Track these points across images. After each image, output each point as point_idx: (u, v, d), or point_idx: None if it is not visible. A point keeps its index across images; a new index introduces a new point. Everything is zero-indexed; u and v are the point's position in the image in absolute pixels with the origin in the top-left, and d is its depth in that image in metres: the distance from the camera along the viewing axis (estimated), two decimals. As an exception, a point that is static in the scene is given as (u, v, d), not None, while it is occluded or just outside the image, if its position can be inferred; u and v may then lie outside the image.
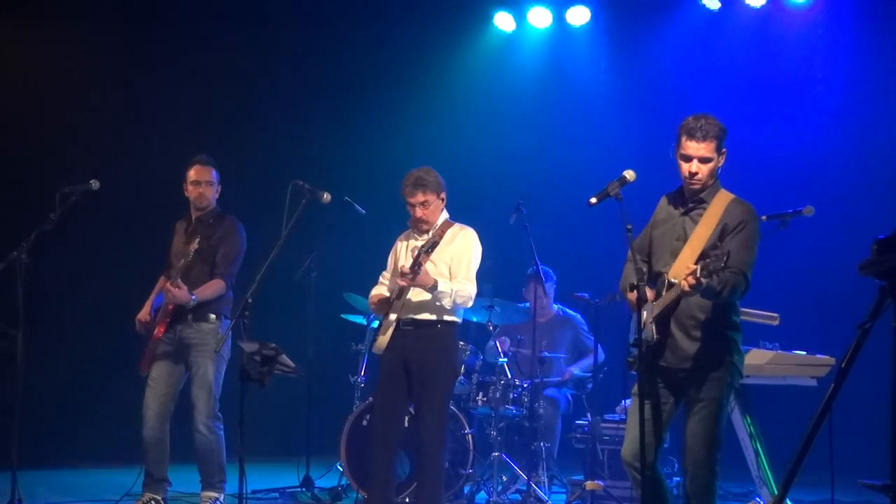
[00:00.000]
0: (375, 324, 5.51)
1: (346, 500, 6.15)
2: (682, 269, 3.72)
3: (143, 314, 5.65)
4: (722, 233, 3.82)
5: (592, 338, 6.63)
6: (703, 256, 3.62)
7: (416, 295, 4.82)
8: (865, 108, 7.74)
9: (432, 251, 4.70)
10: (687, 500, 3.95)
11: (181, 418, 5.59)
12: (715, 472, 3.86)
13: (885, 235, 2.96)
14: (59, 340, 7.72)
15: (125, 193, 7.66)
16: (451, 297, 4.76)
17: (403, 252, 5.01)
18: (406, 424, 5.21)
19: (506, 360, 6.28)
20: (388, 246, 5.28)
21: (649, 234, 4.11)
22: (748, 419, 5.35)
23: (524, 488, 5.96)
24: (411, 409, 5.07)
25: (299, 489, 6.45)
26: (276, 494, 6.40)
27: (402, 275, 4.69)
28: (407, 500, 5.61)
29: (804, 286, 7.49)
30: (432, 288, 4.71)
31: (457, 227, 5.01)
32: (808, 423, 3.00)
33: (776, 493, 5.10)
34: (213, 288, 5.51)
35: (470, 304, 4.91)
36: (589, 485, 5.83)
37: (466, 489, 6.01)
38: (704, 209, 3.91)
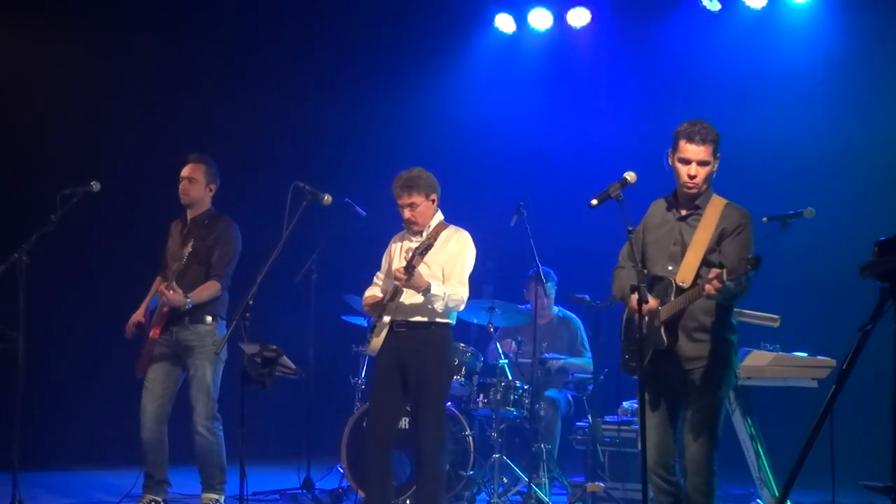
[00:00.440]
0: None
1: (347, 502, 6.13)
2: (689, 273, 3.88)
3: (138, 315, 5.65)
4: (720, 237, 3.93)
5: (588, 348, 6.66)
6: (706, 263, 3.80)
7: (410, 297, 4.82)
8: (867, 108, 7.71)
9: (426, 253, 4.70)
10: (687, 500, 3.99)
11: (181, 420, 5.58)
12: (714, 471, 3.93)
13: (886, 237, 2.97)
14: (60, 343, 7.70)
15: (125, 195, 7.65)
16: (443, 300, 4.75)
17: (398, 253, 5.01)
18: (406, 426, 5.20)
19: (506, 361, 6.28)
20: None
21: (642, 238, 4.14)
22: (749, 420, 5.35)
23: (525, 490, 5.95)
24: (409, 408, 5.07)
25: (300, 491, 6.45)
26: (277, 496, 6.39)
27: (396, 277, 4.69)
28: (408, 501, 5.61)
29: (805, 288, 7.47)
30: (425, 291, 4.70)
31: (451, 229, 5.00)
32: (809, 424, 3.03)
33: (777, 494, 5.11)
34: (209, 290, 5.51)
35: (462, 307, 4.90)
36: (590, 486, 5.83)
37: (467, 492, 5.99)
38: (700, 214, 4.00)
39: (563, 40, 8.60)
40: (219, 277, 5.55)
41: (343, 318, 6.77)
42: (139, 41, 8.24)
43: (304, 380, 6.16)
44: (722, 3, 8.06)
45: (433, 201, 4.95)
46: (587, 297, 6.13)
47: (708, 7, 8.07)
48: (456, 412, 5.99)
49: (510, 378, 6.20)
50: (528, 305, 6.66)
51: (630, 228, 3.96)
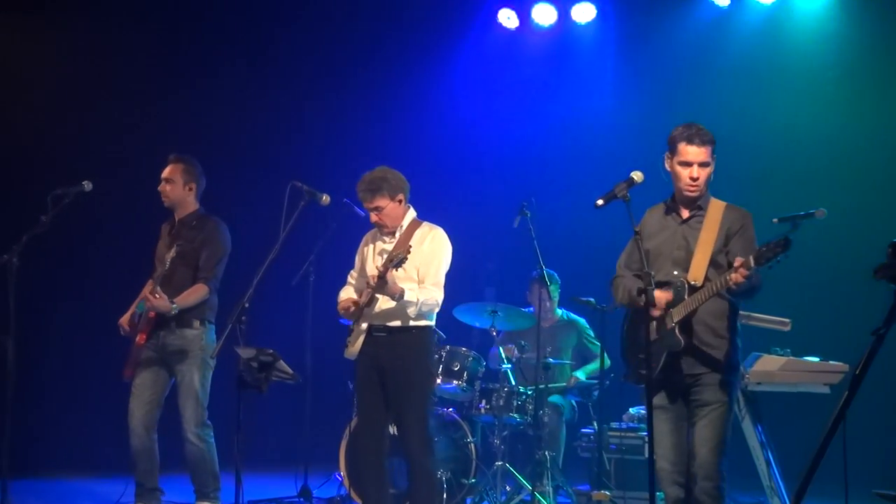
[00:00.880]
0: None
1: (345, 510, 6.07)
2: (699, 273, 3.94)
3: (125, 319, 5.57)
4: (727, 237, 4.03)
5: (598, 343, 6.53)
6: (714, 265, 3.92)
7: (387, 302, 4.75)
8: (880, 106, 7.66)
9: (399, 266, 4.57)
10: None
11: (173, 427, 5.50)
12: (724, 476, 3.94)
13: (900, 238, 2.95)
14: (51, 347, 7.70)
15: (121, 196, 7.60)
16: (416, 306, 4.69)
17: (371, 254, 4.94)
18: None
19: (509, 366, 6.19)
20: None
21: (639, 246, 4.09)
22: (759, 427, 5.33)
23: (528, 499, 5.89)
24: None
25: (297, 499, 6.40)
26: (274, 504, 6.34)
27: (369, 284, 4.64)
28: (406, 510, 5.52)
29: (817, 290, 7.41)
30: (399, 297, 4.62)
31: (426, 226, 4.90)
32: (820, 431, 3.03)
33: (788, 503, 5.06)
34: (196, 293, 5.42)
35: (437, 310, 4.85)
36: (595, 495, 5.83)
37: (469, 500, 5.93)
38: (702, 217, 4.07)
39: (567, 36, 8.56)
40: (206, 280, 5.45)
41: (342, 321, 6.66)
42: (137, 41, 8.25)
43: (302, 385, 6.09)
44: (730, -1, 7.98)
45: (400, 202, 4.83)
46: (592, 299, 6.07)
47: (716, 2, 8.00)
48: (458, 418, 5.94)
49: (513, 383, 6.11)
50: (532, 308, 6.57)
51: (637, 229, 4.01)
